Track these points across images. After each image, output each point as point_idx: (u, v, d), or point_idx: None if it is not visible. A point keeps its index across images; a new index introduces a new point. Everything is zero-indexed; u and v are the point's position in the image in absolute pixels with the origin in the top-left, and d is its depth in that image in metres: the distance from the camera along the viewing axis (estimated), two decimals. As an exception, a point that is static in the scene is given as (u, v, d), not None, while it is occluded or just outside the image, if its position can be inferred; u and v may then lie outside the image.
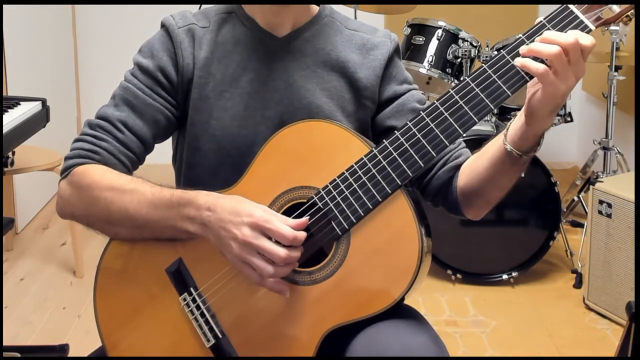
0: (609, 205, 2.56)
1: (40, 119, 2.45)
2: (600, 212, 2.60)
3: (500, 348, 2.48)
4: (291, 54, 1.30)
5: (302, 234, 1.12)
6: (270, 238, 1.11)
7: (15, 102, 2.40)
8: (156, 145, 1.39)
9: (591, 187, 2.64)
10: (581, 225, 3.20)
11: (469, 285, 2.90)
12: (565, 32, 1.07)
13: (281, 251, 1.10)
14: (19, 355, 2.20)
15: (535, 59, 1.07)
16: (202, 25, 1.31)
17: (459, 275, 2.90)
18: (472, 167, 1.27)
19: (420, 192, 1.35)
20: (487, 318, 2.68)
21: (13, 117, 2.26)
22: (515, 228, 2.91)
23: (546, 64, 1.07)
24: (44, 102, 2.47)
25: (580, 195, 3.24)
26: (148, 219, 1.19)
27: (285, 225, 1.11)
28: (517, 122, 1.16)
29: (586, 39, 1.06)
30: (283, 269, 1.12)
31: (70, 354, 2.30)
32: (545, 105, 1.10)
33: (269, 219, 1.11)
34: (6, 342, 2.42)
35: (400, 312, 1.16)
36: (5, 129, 2.17)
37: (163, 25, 1.32)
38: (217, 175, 1.29)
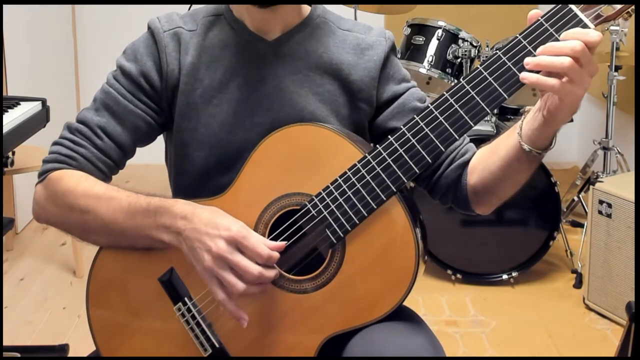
0: (609, 205, 2.56)
1: (40, 119, 2.45)
2: (600, 212, 2.60)
3: (500, 348, 2.48)
4: (282, 58, 1.26)
5: (277, 255, 1.11)
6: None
7: (15, 102, 2.40)
8: (156, 146, 1.38)
9: (591, 187, 2.64)
10: (581, 225, 3.20)
11: (469, 285, 2.90)
12: (564, 33, 1.04)
13: (255, 269, 1.09)
14: (19, 355, 2.20)
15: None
16: (189, 29, 1.28)
17: (459, 275, 2.90)
18: (484, 165, 1.24)
19: (427, 191, 1.33)
20: (487, 318, 2.67)
21: (13, 117, 2.26)
22: (515, 228, 2.91)
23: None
24: (44, 102, 2.47)
25: (580, 195, 3.24)
26: (124, 227, 1.18)
27: (262, 244, 1.10)
28: (532, 122, 1.13)
29: (591, 36, 1.02)
30: (253, 288, 1.11)
31: (70, 354, 2.30)
32: (567, 111, 1.08)
33: (247, 235, 1.10)
34: (6, 342, 2.42)
35: (397, 313, 1.15)
36: (5, 129, 2.17)
37: (149, 28, 1.28)
38: (206, 182, 1.26)
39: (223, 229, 1.10)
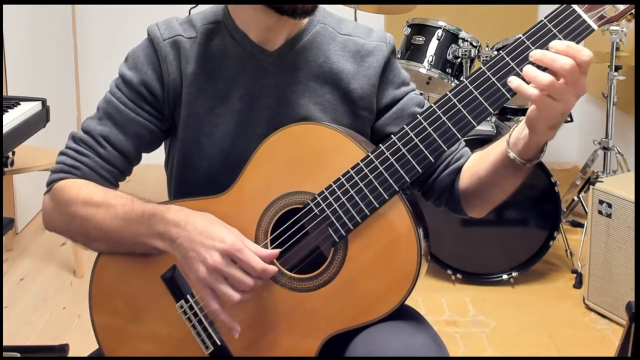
0: (609, 205, 2.56)
1: (40, 119, 2.45)
2: (600, 212, 2.60)
3: (500, 348, 2.48)
4: (283, 69, 1.26)
5: (272, 268, 1.13)
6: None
7: (15, 102, 2.40)
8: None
9: (591, 187, 2.64)
10: (581, 225, 3.20)
11: (469, 285, 2.90)
12: (553, 42, 1.03)
13: (249, 281, 1.11)
14: (19, 355, 2.20)
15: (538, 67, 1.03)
16: (189, 36, 1.26)
17: (459, 275, 2.90)
18: (474, 170, 1.25)
19: (422, 194, 1.33)
20: (487, 318, 2.68)
21: (13, 117, 2.26)
22: (515, 228, 2.91)
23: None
24: (44, 102, 2.47)
25: (580, 195, 3.25)
26: (122, 235, 1.19)
27: (256, 257, 1.11)
28: (519, 131, 1.13)
29: (582, 54, 1.01)
30: (247, 295, 1.13)
31: (70, 354, 2.30)
32: (543, 123, 1.08)
33: (241, 247, 1.11)
34: (6, 342, 2.42)
35: (399, 312, 1.15)
36: (5, 129, 2.17)
37: (148, 36, 1.27)
38: (208, 192, 1.25)
39: (218, 241, 1.11)
